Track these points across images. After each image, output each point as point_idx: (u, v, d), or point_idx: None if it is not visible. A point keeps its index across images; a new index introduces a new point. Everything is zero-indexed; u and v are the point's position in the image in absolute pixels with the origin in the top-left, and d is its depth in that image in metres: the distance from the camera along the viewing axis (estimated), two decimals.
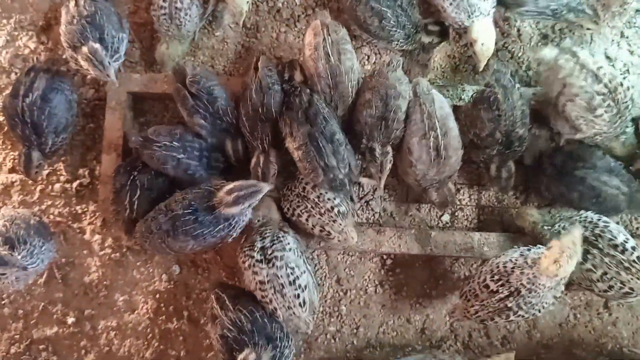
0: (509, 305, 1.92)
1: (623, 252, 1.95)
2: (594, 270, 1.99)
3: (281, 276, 2.01)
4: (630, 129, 2.34)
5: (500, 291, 1.92)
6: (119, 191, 2.24)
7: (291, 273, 2.03)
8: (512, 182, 2.32)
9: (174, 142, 2.21)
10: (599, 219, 2.06)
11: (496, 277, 1.94)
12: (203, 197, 2.06)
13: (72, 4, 2.31)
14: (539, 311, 1.94)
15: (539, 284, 1.86)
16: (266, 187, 2.05)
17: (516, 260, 1.94)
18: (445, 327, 2.50)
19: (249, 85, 2.25)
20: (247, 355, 1.95)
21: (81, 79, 2.63)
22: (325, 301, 2.52)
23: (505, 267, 1.94)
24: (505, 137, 2.18)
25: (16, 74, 2.66)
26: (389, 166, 2.25)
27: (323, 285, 2.52)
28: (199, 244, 2.10)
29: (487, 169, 2.31)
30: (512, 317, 1.95)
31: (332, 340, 2.50)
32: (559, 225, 2.14)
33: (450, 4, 2.28)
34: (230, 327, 2.03)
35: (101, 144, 2.51)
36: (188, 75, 2.24)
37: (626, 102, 2.11)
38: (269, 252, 2.05)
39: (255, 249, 2.06)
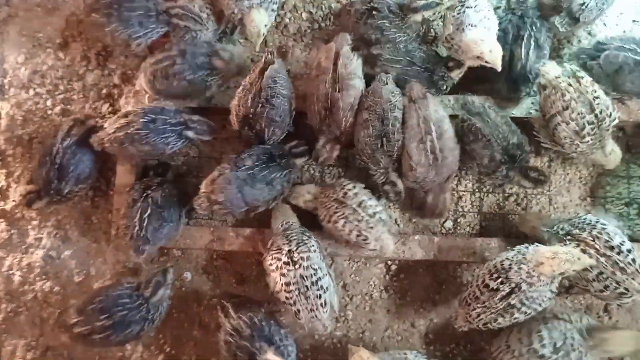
0: (512, 302, 1.98)
1: (619, 253, 2.02)
2: (590, 269, 2.05)
3: (306, 277, 2.11)
4: (610, 141, 2.35)
5: (502, 289, 1.99)
6: (132, 206, 2.32)
7: (314, 274, 2.12)
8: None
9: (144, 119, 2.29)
10: (597, 221, 2.13)
11: (495, 276, 2.02)
12: (265, 149, 2.31)
13: None
14: (540, 305, 2.01)
15: (538, 277, 1.94)
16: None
17: (513, 257, 2.03)
18: (449, 332, 2.56)
19: (247, 89, 2.28)
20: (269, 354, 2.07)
21: (97, 93, 2.76)
22: None
23: (503, 265, 2.02)
24: (505, 154, 2.27)
25: (34, 89, 2.78)
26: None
27: None
28: (270, 192, 2.30)
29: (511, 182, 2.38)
30: (515, 315, 2.01)
31: (339, 345, 2.57)
32: (557, 227, 2.21)
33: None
34: (232, 333, 2.15)
35: (116, 155, 2.62)
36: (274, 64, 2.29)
37: (609, 129, 2.23)
38: (295, 255, 2.14)
39: (283, 252, 2.15)
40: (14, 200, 2.71)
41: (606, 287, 2.05)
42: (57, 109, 2.76)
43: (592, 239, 2.08)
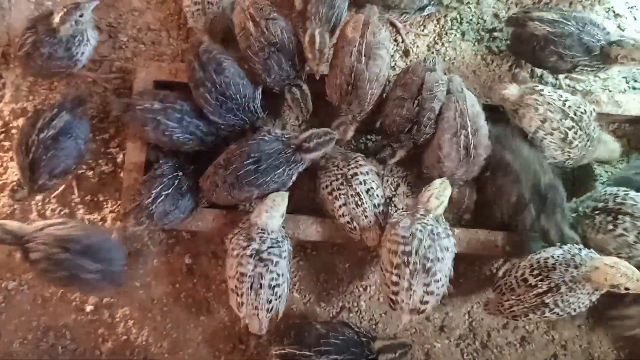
0: (547, 301, 1.92)
1: None
2: (626, 233, 2.03)
3: (264, 277, 2.03)
4: (606, 136, 2.34)
5: (540, 286, 1.93)
6: (155, 178, 2.22)
7: (275, 279, 2.05)
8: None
9: (155, 105, 2.22)
10: (617, 190, 2.11)
11: (536, 272, 1.95)
12: (260, 146, 2.11)
13: None
14: (574, 311, 1.94)
15: (581, 285, 1.88)
16: (336, 135, 2.18)
17: (558, 256, 1.95)
18: (464, 326, 2.50)
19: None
20: None
21: (108, 67, 2.64)
22: (345, 296, 2.52)
23: (547, 262, 1.95)
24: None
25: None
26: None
27: (343, 280, 2.53)
28: (263, 192, 2.16)
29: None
30: (547, 314, 1.96)
31: None
32: (581, 208, 2.19)
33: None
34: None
35: (125, 132, 2.52)
36: (203, 44, 2.19)
37: (590, 125, 2.20)
38: (265, 254, 2.03)
39: (250, 247, 2.04)
40: (16, 174, 2.59)
41: None
42: (64, 80, 2.64)
43: (618, 206, 2.07)
